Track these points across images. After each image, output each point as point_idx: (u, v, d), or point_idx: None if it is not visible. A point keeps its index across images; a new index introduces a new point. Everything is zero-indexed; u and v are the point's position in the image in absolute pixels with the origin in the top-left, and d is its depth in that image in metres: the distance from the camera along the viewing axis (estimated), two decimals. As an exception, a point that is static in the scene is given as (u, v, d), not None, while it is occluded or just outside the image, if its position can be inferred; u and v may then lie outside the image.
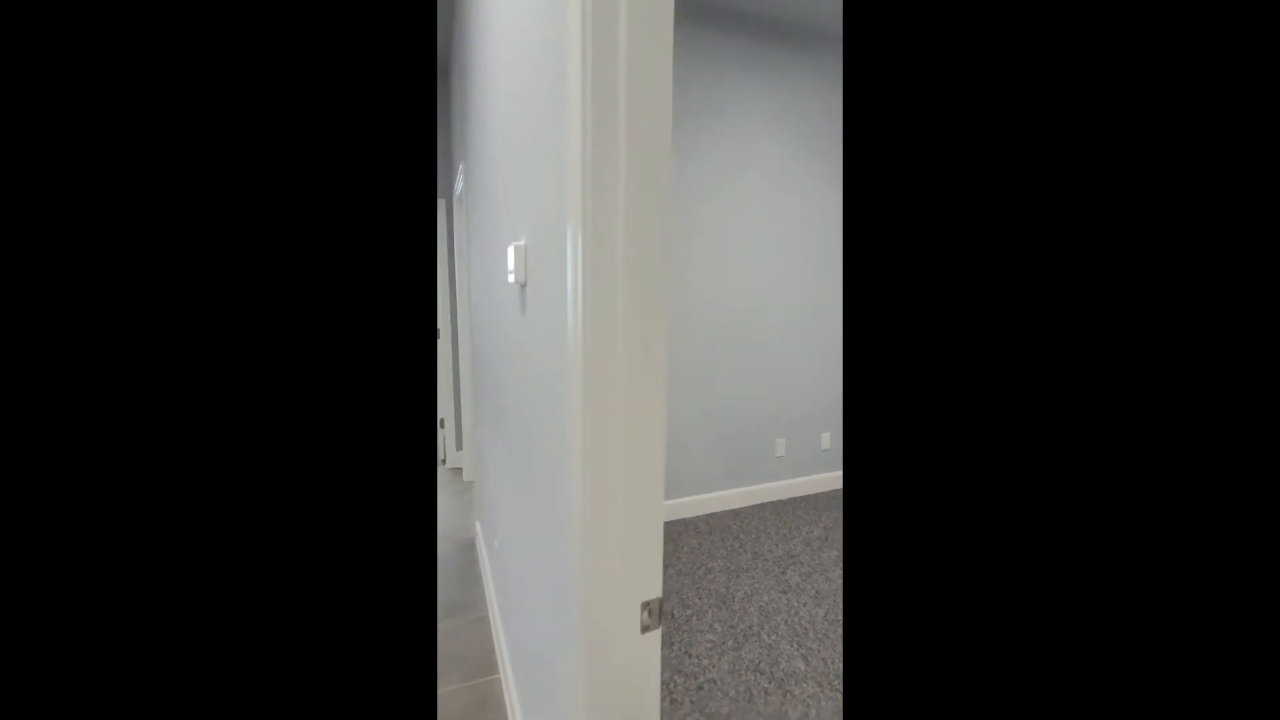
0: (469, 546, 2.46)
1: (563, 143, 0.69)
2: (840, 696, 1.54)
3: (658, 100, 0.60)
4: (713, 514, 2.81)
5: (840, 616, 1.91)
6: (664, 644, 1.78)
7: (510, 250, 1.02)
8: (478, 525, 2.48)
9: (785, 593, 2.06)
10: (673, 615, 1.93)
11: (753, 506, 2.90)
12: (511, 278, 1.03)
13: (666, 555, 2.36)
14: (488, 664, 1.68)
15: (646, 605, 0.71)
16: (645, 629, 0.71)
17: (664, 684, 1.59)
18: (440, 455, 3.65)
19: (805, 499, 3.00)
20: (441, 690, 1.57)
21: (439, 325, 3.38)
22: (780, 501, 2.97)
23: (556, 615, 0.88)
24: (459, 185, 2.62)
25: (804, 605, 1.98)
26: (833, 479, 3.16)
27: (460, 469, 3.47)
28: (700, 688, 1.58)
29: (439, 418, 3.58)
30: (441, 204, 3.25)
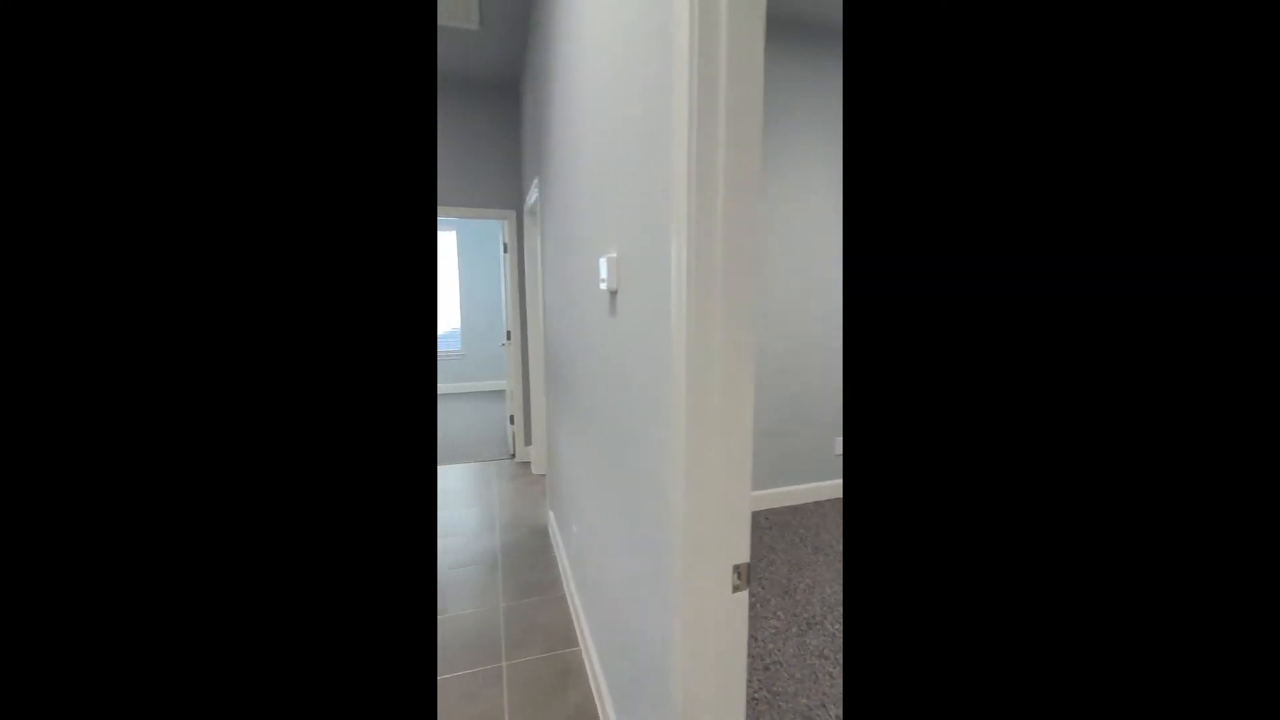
0: (543, 533, 2.64)
1: (662, 168, 0.81)
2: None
3: (751, 123, 0.70)
4: (772, 509, 2.87)
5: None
6: (730, 628, 1.88)
7: (603, 261, 1.16)
8: (550, 514, 2.66)
9: (848, 586, 2.10)
10: (737, 602, 2.02)
11: (811, 504, 2.93)
12: (603, 285, 1.17)
13: (729, 547, 2.45)
14: (568, 637, 1.84)
15: (737, 568, 0.82)
16: (736, 589, 0.82)
17: (732, 664, 1.69)
18: (509, 450, 3.89)
19: (866, 498, 3.00)
20: (528, 659, 1.74)
21: (508, 329, 3.61)
22: (839, 499, 2.99)
23: (649, 581, 1.00)
24: (532, 198, 2.81)
25: (867, 599, 2.02)
26: (894, 479, 3.13)
27: (529, 463, 3.69)
28: (767, 668, 1.67)
29: (509, 414, 3.81)
30: (511, 214, 3.47)
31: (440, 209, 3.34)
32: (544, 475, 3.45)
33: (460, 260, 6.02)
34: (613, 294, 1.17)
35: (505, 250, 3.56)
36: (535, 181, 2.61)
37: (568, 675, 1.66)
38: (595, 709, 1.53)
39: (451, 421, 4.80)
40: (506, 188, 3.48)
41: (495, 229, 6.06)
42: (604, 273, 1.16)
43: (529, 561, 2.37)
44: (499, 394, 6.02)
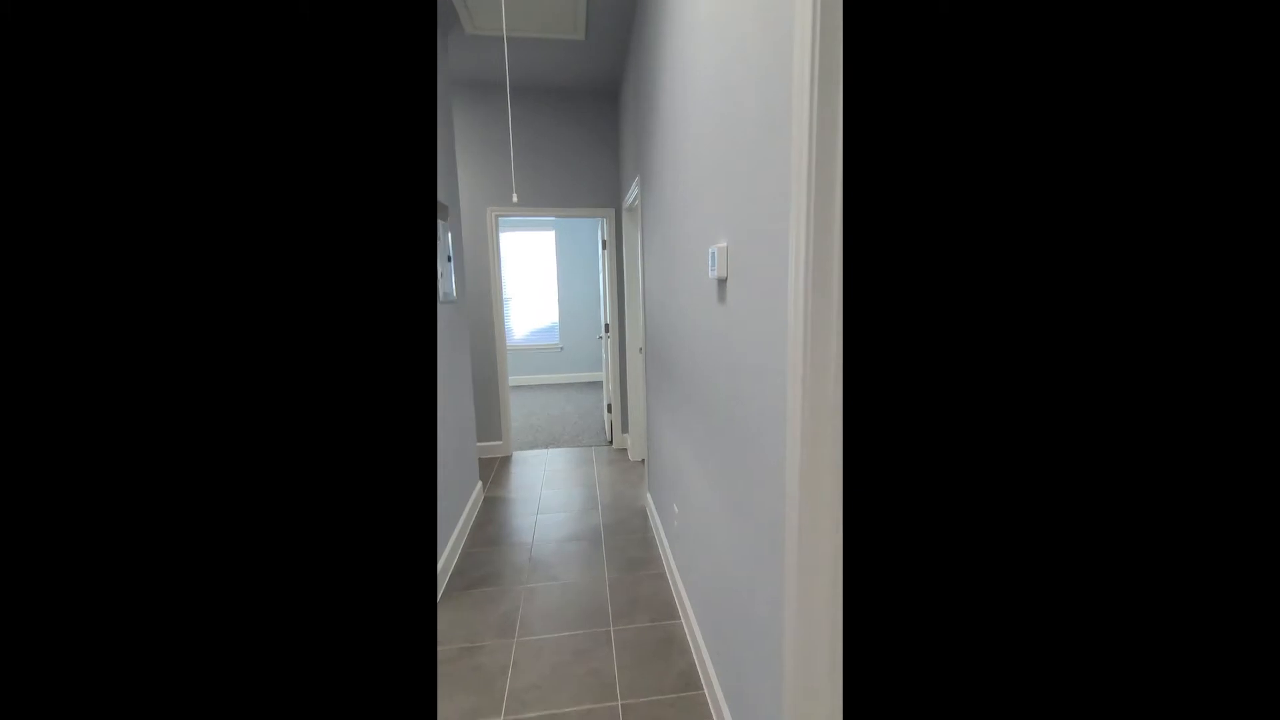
0: (642, 514, 2.78)
1: (779, 159, 0.87)
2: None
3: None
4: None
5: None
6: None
7: (712, 251, 1.23)
8: (649, 497, 2.78)
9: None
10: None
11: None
12: (712, 274, 1.24)
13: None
14: (669, 610, 1.94)
15: (848, 537, 0.86)
16: (847, 557, 0.87)
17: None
18: (607, 437, 4.09)
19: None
20: (634, 627, 1.87)
21: (606, 322, 3.79)
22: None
23: (760, 559, 1.07)
24: (631, 196, 2.95)
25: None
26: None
27: (625, 449, 3.86)
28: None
29: (606, 403, 4.01)
30: (610, 211, 3.64)
31: (544, 209, 3.59)
32: (641, 461, 3.60)
33: (559, 258, 6.37)
34: (721, 282, 1.24)
35: (604, 247, 3.75)
36: (636, 180, 2.74)
37: (670, 644, 1.77)
38: (698, 676, 1.61)
39: (551, 410, 5.12)
40: (606, 187, 3.66)
41: (593, 227, 6.34)
42: (713, 262, 1.23)
43: (630, 539, 2.52)
44: (595, 385, 6.30)
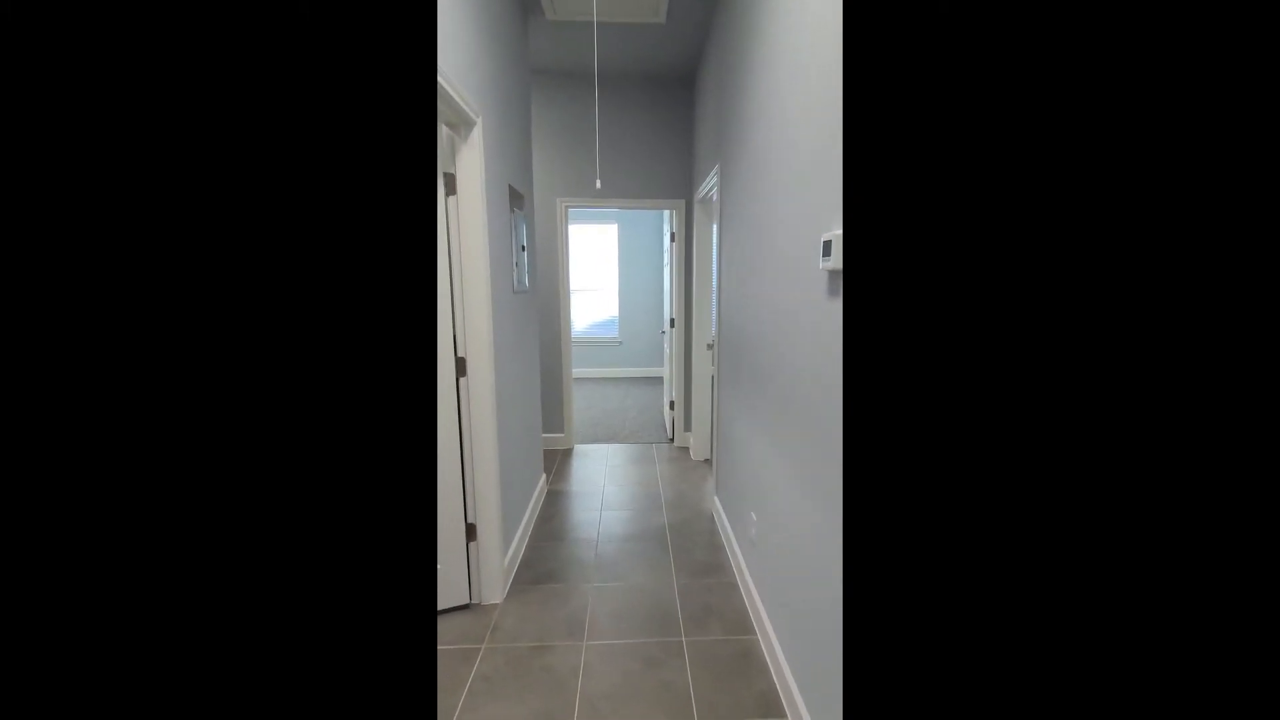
0: (708, 518, 2.68)
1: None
2: None
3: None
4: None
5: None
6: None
7: (826, 239, 1.11)
8: (716, 500, 2.68)
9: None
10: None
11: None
12: (823, 265, 1.12)
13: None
14: (743, 623, 1.83)
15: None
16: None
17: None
18: (668, 434, 4.00)
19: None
20: (708, 639, 1.77)
21: (671, 317, 3.70)
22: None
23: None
24: (706, 186, 2.83)
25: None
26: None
27: (687, 448, 3.76)
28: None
29: (668, 400, 3.93)
30: (680, 203, 3.53)
31: (613, 200, 3.53)
32: (704, 461, 3.49)
33: (620, 252, 6.33)
34: (835, 274, 1.11)
35: (672, 239, 3.65)
36: (715, 170, 2.62)
37: (748, 661, 1.66)
38: (780, 701, 1.50)
39: (610, 404, 5.09)
40: (677, 178, 3.55)
41: (657, 220, 6.25)
42: (826, 252, 1.11)
43: (696, 542, 2.42)
44: (653, 380, 6.23)
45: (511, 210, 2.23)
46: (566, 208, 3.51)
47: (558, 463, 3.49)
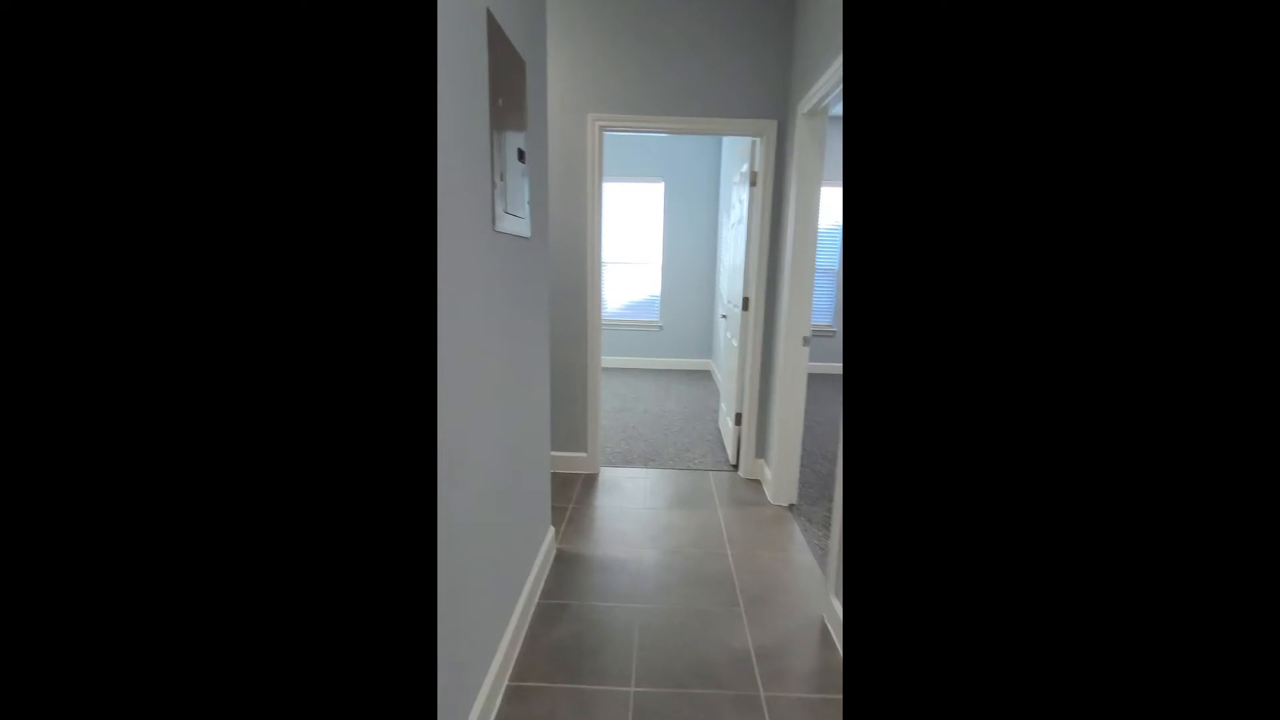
0: (820, 632, 1.59)
1: None
2: None
3: None
4: None
5: None
6: None
7: None
8: (834, 602, 1.58)
9: None
10: None
11: None
12: None
13: None
14: None
15: None
16: None
17: None
18: (730, 459, 2.91)
19: None
20: None
21: (746, 294, 2.57)
22: None
23: None
24: (821, 91, 1.69)
25: None
26: None
27: (760, 482, 2.65)
28: None
29: (735, 411, 2.82)
30: (771, 125, 2.38)
31: (664, 119, 2.39)
32: (788, 507, 2.39)
33: (666, 217, 5.19)
34: None
35: (753, 183, 2.51)
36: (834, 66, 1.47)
37: None
38: None
39: (648, 404, 4.01)
40: (761, 91, 2.38)
41: (713, 177, 5.06)
42: None
43: (806, 695, 1.34)
44: (701, 374, 5.13)
45: (495, 69, 1.15)
46: (601, 128, 2.40)
47: (575, 498, 2.44)
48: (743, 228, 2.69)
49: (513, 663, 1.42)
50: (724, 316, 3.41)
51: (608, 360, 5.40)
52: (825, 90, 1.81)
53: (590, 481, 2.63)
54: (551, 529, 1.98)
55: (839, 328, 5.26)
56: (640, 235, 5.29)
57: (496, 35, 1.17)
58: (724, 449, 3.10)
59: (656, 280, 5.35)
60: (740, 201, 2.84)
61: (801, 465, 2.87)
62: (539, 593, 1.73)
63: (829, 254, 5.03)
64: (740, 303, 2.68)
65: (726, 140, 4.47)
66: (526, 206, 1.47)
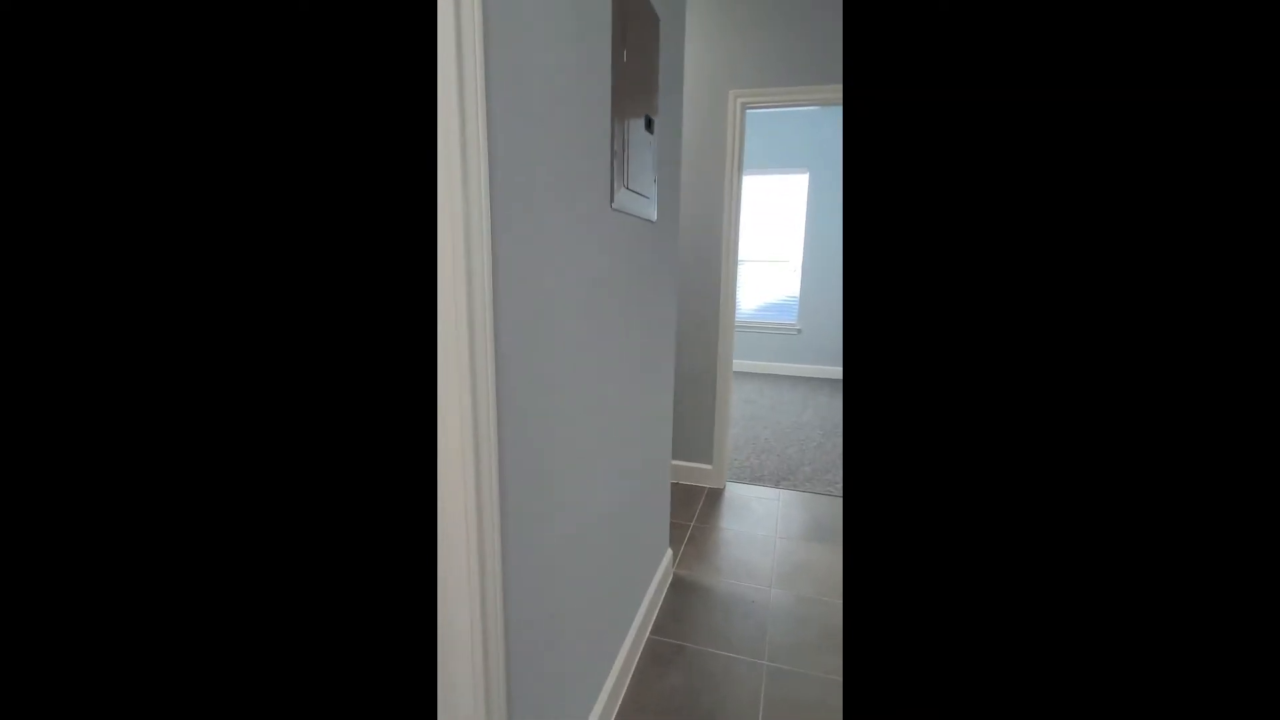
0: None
1: None
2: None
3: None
4: None
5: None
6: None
7: None
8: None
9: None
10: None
11: None
12: None
13: None
14: None
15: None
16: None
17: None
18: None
19: None
20: None
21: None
22: None
23: None
24: None
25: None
26: None
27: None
28: None
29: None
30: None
31: (815, 90, 2.05)
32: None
33: (810, 211, 4.73)
34: None
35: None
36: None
37: None
38: None
39: (782, 415, 3.64)
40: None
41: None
42: None
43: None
44: (840, 384, 4.59)
45: (621, 16, 0.97)
46: (743, 105, 2.14)
47: (698, 515, 2.22)
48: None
49: (614, 714, 1.24)
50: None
51: (739, 364, 5.08)
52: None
53: (715, 497, 2.38)
54: (670, 551, 1.78)
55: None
56: (779, 231, 4.89)
57: (625, -24, 0.99)
58: (873, 475, 2.65)
59: (796, 280, 4.91)
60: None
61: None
62: (650, 626, 1.53)
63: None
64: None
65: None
66: (654, 186, 1.28)
